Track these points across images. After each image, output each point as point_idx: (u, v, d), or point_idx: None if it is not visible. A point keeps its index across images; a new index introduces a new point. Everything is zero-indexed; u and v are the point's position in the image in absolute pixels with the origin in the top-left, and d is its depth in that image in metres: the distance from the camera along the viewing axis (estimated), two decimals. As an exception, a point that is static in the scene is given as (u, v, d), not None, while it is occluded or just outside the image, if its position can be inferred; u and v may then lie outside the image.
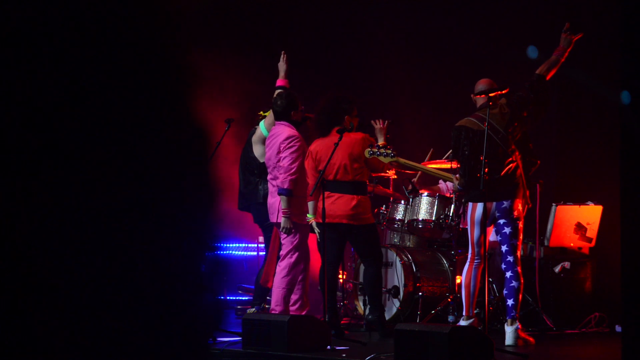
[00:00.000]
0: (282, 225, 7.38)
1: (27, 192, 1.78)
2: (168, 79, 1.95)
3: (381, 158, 7.00)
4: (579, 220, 8.08)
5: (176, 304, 1.93)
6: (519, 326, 6.63)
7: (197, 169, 1.98)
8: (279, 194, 7.36)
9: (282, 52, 8.06)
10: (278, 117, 7.56)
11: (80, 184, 1.81)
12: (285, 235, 7.42)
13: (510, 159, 6.68)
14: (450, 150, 7.28)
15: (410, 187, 8.22)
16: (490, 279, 7.63)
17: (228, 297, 9.87)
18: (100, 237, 1.84)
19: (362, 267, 7.83)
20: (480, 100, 6.85)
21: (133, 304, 1.87)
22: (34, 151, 1.80)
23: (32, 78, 1.80)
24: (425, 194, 8.14)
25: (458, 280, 7.74)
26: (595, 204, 8.14)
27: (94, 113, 1.85)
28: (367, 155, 7.03)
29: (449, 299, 7.72)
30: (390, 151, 6.98)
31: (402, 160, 7.07)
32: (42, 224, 1.79)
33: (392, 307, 7.95)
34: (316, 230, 7.30)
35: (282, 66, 8.04)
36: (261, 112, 8.13)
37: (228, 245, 10.14)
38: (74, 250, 1.81)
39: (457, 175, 6.85)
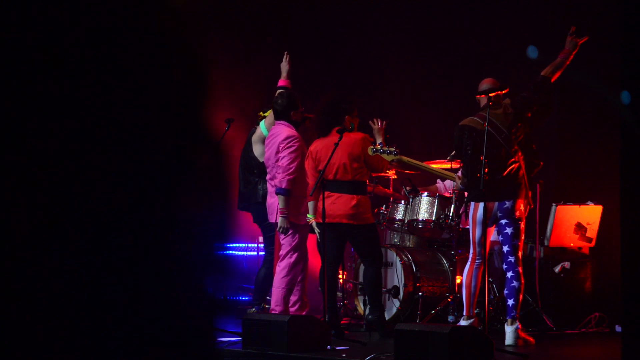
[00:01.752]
0: (279, 224, 7.37)
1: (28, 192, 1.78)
2: (175, 79, 1.95)
3: (384, 156, 7.00)
4: (579, 220, 8.08)
5: (177, 304, 1.93)
6: (519, 326, 6.63)
7: (197, 171, 1.98)
8: (277, 193, 7.35)
9: (285, 52, 8.06)
10: (278, 117, 7.55)
11: (81, 185, 1.81)
12: (283, 235, 7.41)
13: (513, 159, 6.68)
14: (454, 151, 7.28)
15: (410, 187, 8.21)
16: (490, 279, 7.62)
17: (228, 297, 9.87)
18: (101, 237, 1.84)
19: (362, 267, 7.82)
20: (483, 100, 6.84)
21: (133, 305, 1.87)
22: (35, 151, 1.80)
23: (32, 78, 1.80)
24: (425, 194, 8.13)
25: (458, 280, 7.75)
26: (595, 204, 8.14)
27: (95, 113, 1.85)
28: (370, 153, 7.03)
29: (449, 299, 7.72)
30: (393, 149, 6.99)
31: (404, 158, 7.07)
32: (42, 224, 1.79)
33: (392, 307, 7.95)
34: (316, 230, 7.29)
35: (284, 66, 8.04)
36: (261, 112, 8.13)
37: (228, 245, 10.13)
38: (74, 250, 1.81)
39: (459, 174, 6.85)
